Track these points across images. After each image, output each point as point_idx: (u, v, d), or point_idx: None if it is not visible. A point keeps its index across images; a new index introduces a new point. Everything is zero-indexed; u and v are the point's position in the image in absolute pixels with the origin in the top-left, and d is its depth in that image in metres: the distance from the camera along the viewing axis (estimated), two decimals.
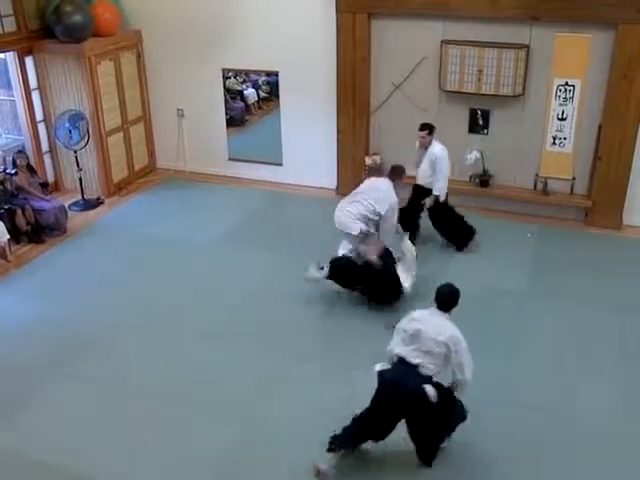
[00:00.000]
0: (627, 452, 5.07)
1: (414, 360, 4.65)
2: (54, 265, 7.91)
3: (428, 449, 4.94)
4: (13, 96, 9.45)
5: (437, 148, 7.60)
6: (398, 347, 4.76)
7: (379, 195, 6.62)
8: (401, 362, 4.72)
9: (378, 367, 4.84)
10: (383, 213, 6.57)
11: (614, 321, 6.63)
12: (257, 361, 6.13)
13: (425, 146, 7.67)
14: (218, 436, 5.28)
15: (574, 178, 8.51)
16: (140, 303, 7.05)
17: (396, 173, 6.89)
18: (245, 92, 9.78)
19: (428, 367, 4.64)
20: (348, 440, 4.87)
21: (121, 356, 6.25)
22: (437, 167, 7.58)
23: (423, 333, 4.63)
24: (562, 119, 8.25)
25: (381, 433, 4.86)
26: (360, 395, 4.99)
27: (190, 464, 5.04)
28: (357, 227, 6.55)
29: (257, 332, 6.56)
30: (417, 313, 4.82)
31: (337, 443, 4.82)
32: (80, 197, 9.34)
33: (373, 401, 4.80)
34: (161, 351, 6.31)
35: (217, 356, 6.22)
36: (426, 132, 7.58)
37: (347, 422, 4.86)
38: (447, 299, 4.74)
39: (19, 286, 7.47)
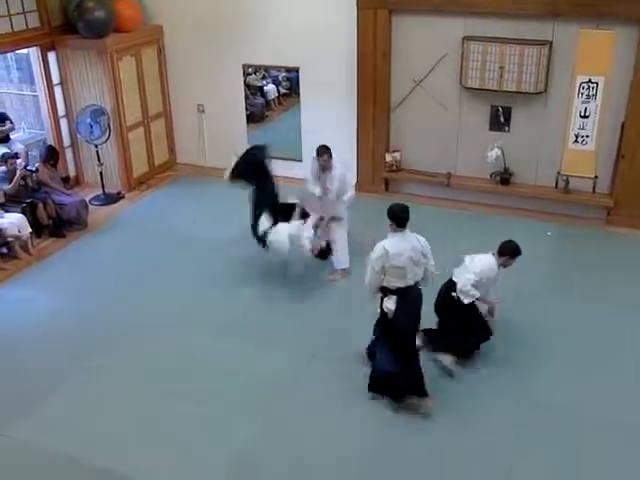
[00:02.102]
0: None
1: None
2: (75, 259, 7.98)
3: None
4: (36, 91, 9.55)
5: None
6: (397, 282, 5.22)
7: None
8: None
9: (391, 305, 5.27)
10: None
11: (636, 320, 6.56)
12: (273, 359, 6.16)
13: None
14: (235, 432, 5.31)
15: (596, 176, 8.41)
16: (158, 299, 7.09)
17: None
18: (265, 88, 9.79)
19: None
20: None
21: (138, 351, 6.29)
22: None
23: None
24: (585, 117, 8.16)
25: None
26: None
27: (206, 458, 5.07)
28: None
29: (272, 330, 6.58)
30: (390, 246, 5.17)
31: None
32: (101, 191, 9.41)
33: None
34: (178, 347, 6.34)
35: (233, 353, 6.24)
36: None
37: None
38: (404, 216, 5.20)
39: (40, 279, 7.55)
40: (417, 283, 5.34)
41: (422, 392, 5.40)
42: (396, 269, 5.17)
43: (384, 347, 5.44)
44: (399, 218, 5.20)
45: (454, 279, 5.78)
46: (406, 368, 5.35)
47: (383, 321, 5.41)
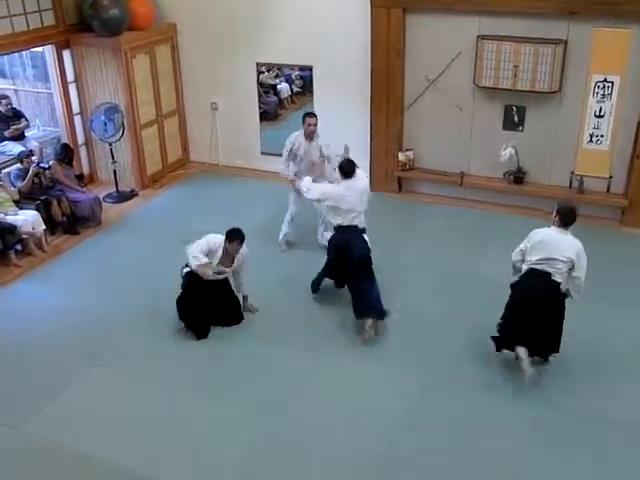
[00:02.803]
0: None
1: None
2: (88, 256, 8.02)
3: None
4: (50, 89, 9.60)
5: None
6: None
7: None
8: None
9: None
10: None
11: None
12: (286, 356, 6.17)
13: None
14: (248, 430, 5.32)
15: (611, 177, 8.36)
16: (171, 296, 7.09)
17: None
18: (278, 86, 9.79)
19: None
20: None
21: (151, 349, 6.32)
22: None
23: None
24: (599, 116, 8.11)
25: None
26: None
27: (218, 455, 5.09)
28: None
29: (285, 326, 6.59)
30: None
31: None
32: (114, 189, 9.45)
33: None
34: (191, 344, 6.36)
35: (246, 350, 6.26)
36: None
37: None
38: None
39: (54, 276, 7.60)
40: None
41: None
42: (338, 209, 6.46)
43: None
44: (346, 169, 6.54)
45: (556, 279, 5.43)
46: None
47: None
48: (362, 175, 6.86)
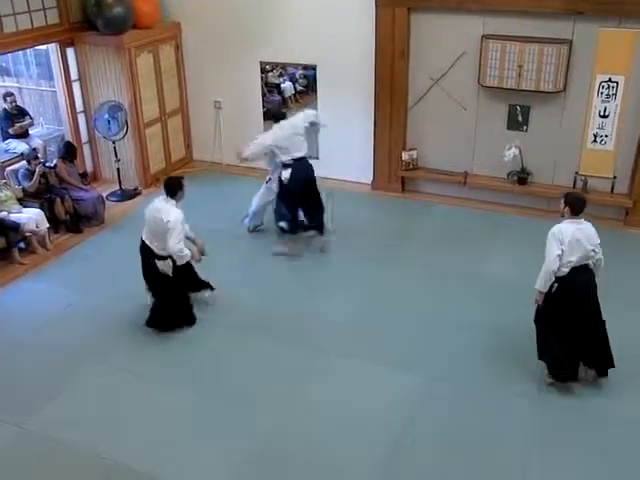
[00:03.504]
0: None
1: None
2: (91, 254, 8.03)
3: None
4: (54, 87, 9.61)
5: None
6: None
7: None
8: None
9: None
10: None
11: None
12: (290, 354, 6.17)
13: None
14: (248, 430, 5.32)
15: (615, 177, 8.34)
16: None
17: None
18: (282, 85, 9.78)
19: None
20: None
21: (152, 346, 6.32)
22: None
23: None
24: (604, 116, 8.09)
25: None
26: None
27: (222, 454, 5.09)
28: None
29: (290, 324, 6.60)
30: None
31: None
32: (118, 187, 9.46)
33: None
34: (192, 342, 6.37)
35: (248, 347, 6.27)
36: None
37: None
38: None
39: (57, 274, 7.60)
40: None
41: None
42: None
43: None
44: (277, 116, 7.79)
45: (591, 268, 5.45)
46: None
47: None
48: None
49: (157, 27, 9.55)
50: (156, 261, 6.25)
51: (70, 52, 9.26)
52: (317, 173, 9.81)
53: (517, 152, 8.46)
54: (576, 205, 5.36)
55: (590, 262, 5.42)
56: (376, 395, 5.66)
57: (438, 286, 7.16)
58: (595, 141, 8.24)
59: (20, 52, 9.56)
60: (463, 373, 5.87)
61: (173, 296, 6.40)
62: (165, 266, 6.28)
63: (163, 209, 6.09)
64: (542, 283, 5.41)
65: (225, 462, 5.02)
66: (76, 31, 9.15)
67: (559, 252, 5.27)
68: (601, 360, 5.59)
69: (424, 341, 6.30)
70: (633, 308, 6.76)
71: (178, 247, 6.04)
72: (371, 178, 9.50)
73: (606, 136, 8.17)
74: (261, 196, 8.17)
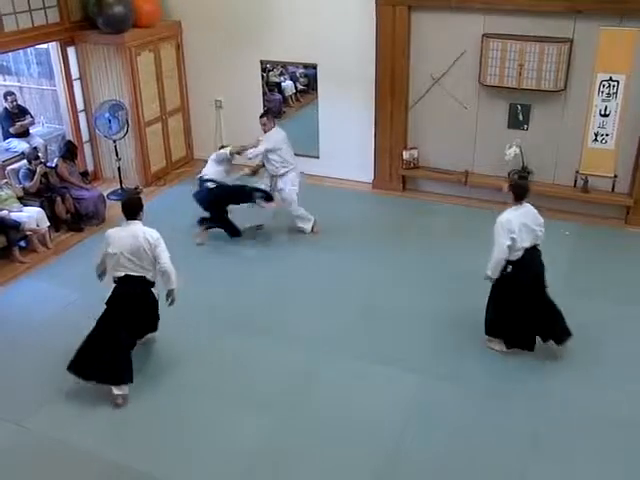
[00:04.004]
0: None
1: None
2: (92, 253, 7.94)
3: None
4: (55, 86, 9.60)
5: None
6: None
7: None
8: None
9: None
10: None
11: None
12: (289, 354, 6.17)
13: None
14: (248, 430, 5.32)
15: (616, 176, 8.34)
16: None
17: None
18: (283, 84, 9.79)
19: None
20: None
21: (150, 344, 6.30)
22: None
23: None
24: (605, 115, 8.08)
25: None
26: None
27: (219, 455, 5.09)
28: None
29: (290, 325, 6.59)
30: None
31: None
32: (118, 186, 9.45)
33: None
34: (191, 342, 6.36)
35: (247, 348, 6.25)
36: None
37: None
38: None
39: (58, 273, 7.60)
40: None
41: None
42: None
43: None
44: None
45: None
46: None
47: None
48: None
49: (158, 26, 9.55)
50: (152, 290, 5.73)
51: (71, 51, 9.26)
52: (317, 172, 9.86)
53: (518, 151, 8.45)
54: (519, 192, 5.77)
55: (538, 241, 5.82)
56: (376, 394, 5.65)
57: (439, 285, 7.15)
58: (596, 140, 8.24)
59: (21, 51, 9.56)
60: (463, 372, 5.86)
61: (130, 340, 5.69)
62: (155, 294, 5.79)
63: (139, 232, 5.52)
64: (494, 272, 5.80)
65: (225, 462, 5.02)
66: (77, 30, 9.15)
67: (509, 242, 5.62)
68: (558, 331, 5.90)
69: (424, 340, 6.30)
70: (635, 306, 6.73)
71: (170, 263, 5.57)
72: (372, 177, 9.49)
73: (607, 135, 8.16)
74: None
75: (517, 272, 5.75)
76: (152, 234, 5.54)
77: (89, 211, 8.56)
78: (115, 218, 8.74)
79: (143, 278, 5.58)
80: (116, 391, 5.50)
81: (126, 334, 5.55)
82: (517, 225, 5.64)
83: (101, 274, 5.84)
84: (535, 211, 5.81)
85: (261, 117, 7.93)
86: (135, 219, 5.59)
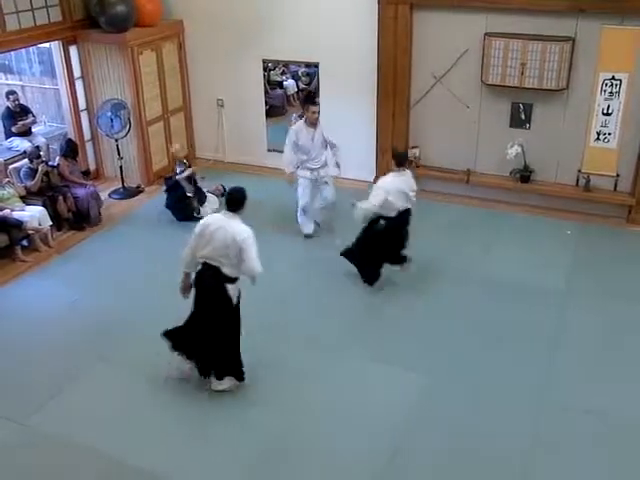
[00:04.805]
0: None
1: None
2: (93, 252, 8.03)
3: None
4: (57, 85, 9.61)
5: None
6: None
7: None
8: None
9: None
10: None
11: None
12: (292, 353, 6.17)
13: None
14: (252, 428, 5.32)
15: (618, 175, 8.33)
16: (173, 293, 7.09)
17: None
18: (285, 83, 9.78)
19: None
20: None
21: (155, 345, 6.28)
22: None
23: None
24: (607, 114, 8.07)
25: None
26: None
27: (221, 454, 5.09)
28: None
29: (291, 323, 6.59)
30: None
31: None
32: (120, 185, 9.46)
33: None
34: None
35: (249, 348, 6.24)
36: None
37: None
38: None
39: (60, 272, 7.61)
40: None
41: None
42: None
43: None
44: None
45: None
46: None
47: None
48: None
49: (160, 25, 9.56)
50: (227, 285, 5.36)
51: (73, 50, 9.26)
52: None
53: (520, 150, 8.44)
54: (399, 159, 6.76)
55: (409, 205, 6.80)
56: (377, 394, 5.65)
57: (438, 284, 7.15)
58: (598, 139, 8.22)
59: (23, 50, 9.57)
60: (464, 372, 5.86)
61: (230, 337, 5.56)
62: (234, 290, 5.41)
63: (230, 226, 5.24)
64: (361, 219, 6.78)
65: (225, 461, 5.02)
66: (79, 29, 9.16)
67: (379, 203, 6.53)
68: (401, 257, 7.10)
69: (425, 340, 6.29)
70: (636, 304, 6.73)
71: (260, 266, 5.22)
72: (374, 176, 9.47)
73: (609, 134, 8.15)
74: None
75: (389, 225, 6.79)
76: (241, 233, 5.20)
77: (83, 209, 8.47)
78: (116, 216, 8.80)
79: (218, 270, 5.32)
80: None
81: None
82: (394, 188, 6.61)
83: (188, 266, 5.53)
84: (412, 179, 6.83)
85: (315, 104, 7.87)
86: (234, 212, 5.35)
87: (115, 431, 5.31)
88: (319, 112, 7.77)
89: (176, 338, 5.69)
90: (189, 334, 5.59)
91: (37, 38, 8.75)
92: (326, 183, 8.00)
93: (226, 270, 5.27)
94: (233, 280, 5.35)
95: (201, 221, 5.45)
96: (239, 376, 5.67)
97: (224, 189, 8.45)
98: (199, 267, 5.40)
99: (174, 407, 5.55)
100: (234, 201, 5.37)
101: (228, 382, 5.64)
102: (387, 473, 4.90)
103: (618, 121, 8.06)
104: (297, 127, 7.84)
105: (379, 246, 6.88)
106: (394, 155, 6.92)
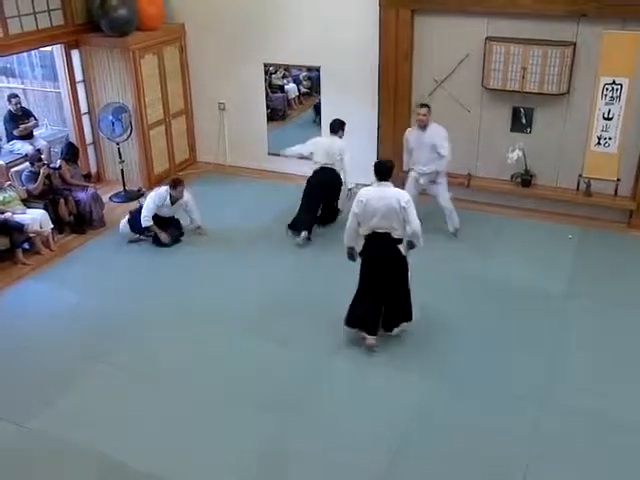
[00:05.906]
0: None
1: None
2: (94, 256, 8.04)
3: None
4: (59, 88, 9.64)
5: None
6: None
7: None
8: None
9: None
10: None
11: None
12: (290, 355, 6.17)
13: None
14: (252, 428, 5.32)
15: (618, 179, 8.33)
16: (174, 296, 7.11)
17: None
18: (286, 87, 9.80)
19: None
20: None
21: (155, 347, 6.32)
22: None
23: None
24: (608, 118, 8.08)
25: None
26: None
27: (221, 454, 5.09)
28: None
29: (290, 330, 6.58)
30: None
31: None
32: (122, 189, 9.47)
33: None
34: (193, 345, 6.36)
35: (248, 350, 6.26)
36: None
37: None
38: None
39: (61, 275, 7.62)
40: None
41: None
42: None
43: None
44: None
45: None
46: None
47: None
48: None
49: (161, 29, 9.58)
50: (399, 247, 5.95)
51: (75, 54, 9.29)
52: None
53: (521, 154, 8.44)
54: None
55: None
56: (377, 395, 5.65)
57: (439, 287, 7.14)
58: (599, 143, 8.23)
59: (25, 53, 9.61)
60: (464, 373, 5.86)
61: (407, 286, 6.20)
62: (403, 249, 6.00)
63: (391, 193, 5.78)
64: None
65: (226, 463, 5.02)
66: (81, 33, 9.18)
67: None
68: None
69: (424, 341, 6.29)
70: (637, 309, 6.72)
71: (419, 225, 5.78)
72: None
73: (610, 138, 8.16)
74: None
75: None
76: (403, 196, 5.78)
77: (86, 212, 8.50)
78: (117, 220, 8.78)
79: (389, 235, 5.86)
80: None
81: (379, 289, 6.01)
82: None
83: (352, 242, 6.07)
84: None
85: (424, 106, 7.86)
86: (386, 180, 5.85)
87: (115, 432, 5.31)
88: (424, 114, 7.80)
89: (357, 319, 6.15)
90: (370, 305, 6.04)
91: (39, 42, 8.76)
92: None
93: (396, 233, 5.83)
94: (401, 241, 5.90)
95: (357, 198, 5.87)
96: (410, 317, 6.25)
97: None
98: (366, 239, 5.94)
99: (174, 408, 5.55)
100: (385, 170, 5.85)
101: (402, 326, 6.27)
102: (387, 473, 4.89)
103: (619, 126, 8.06)
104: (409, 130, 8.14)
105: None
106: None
